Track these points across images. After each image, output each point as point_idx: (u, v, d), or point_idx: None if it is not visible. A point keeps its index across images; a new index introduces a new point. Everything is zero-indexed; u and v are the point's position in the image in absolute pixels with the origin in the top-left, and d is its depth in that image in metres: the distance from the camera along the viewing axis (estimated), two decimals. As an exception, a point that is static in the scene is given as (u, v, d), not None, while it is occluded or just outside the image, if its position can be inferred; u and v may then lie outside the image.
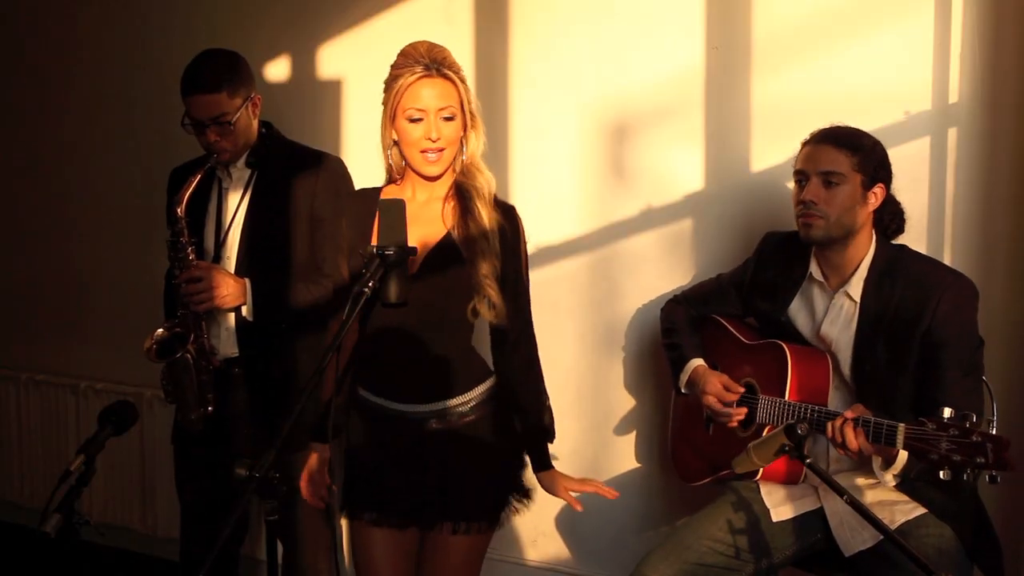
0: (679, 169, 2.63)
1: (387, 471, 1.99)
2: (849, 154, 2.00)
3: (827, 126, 2.08)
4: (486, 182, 1.96)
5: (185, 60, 2.31)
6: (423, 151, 1.91)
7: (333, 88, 3.01)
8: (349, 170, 2.45)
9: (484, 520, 1.99)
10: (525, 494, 2.06)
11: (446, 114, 1.90)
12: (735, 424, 2.15)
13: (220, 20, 3.12)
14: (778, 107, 2.51)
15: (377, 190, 2.03)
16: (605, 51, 2.67)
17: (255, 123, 2.38)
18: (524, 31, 2.77)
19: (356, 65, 2.96)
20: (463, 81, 1.93)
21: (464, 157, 1.97)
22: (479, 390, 2.00)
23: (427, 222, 1.95)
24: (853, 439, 1.82)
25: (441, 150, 1.91)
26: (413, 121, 1.89)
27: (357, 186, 2.41)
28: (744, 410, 2.15)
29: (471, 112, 1.95)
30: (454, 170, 1.98)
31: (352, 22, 2.95)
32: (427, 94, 1.89)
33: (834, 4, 2.44)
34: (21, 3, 3.54)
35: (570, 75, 2.72)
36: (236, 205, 2.36)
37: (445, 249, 1.94)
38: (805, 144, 2.09)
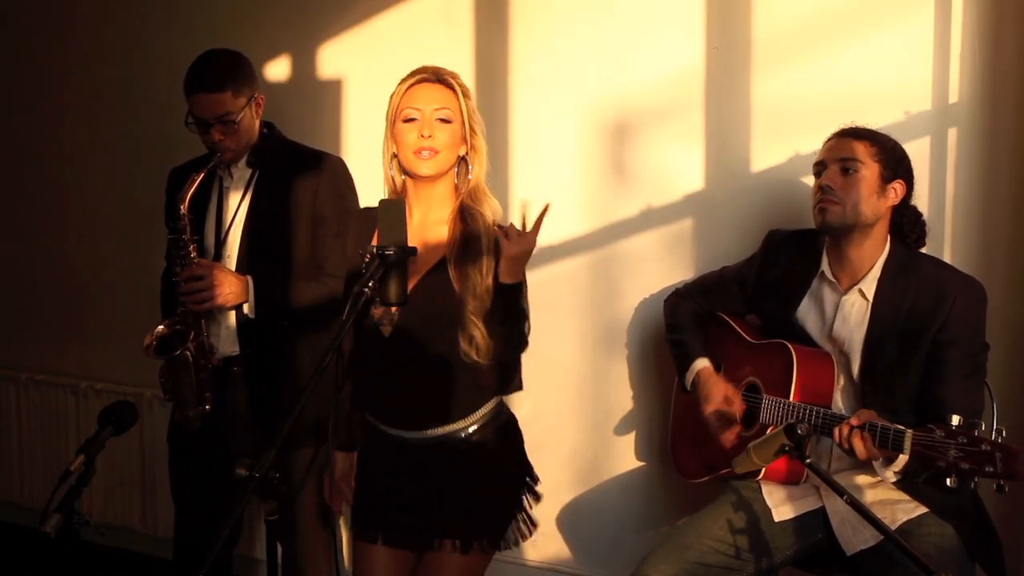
0: (679, 169, 2.63)
1: (390, 490, 1.97)
2: (868, 144, 2.04)
3: (846, 126, 2.10)
4: (491, 211, 1.94)
5: (185, 60, 2.31)
6: (416, 151, 1.89)
7: (333, 88, 3.01)
8: (349, 170, 2.45)
9: (484, 539, 1.95)
10: (530, 520, 2.03)
11: (441, 115, 1.89)
12: (726, 446, 2.15)
13: (220, 20, 3.12)
14: (778, 107, 2.51)
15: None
16: (605, 51, 2.67)
17: (258, 123, 2.38)
18: (524, 31, 2.77)
19: (356, 65, 2.96)
20: (466, 96, 1.93)
21: (469, 177, 1.95)
22: (481, 412, 1.96)
23: (423, 244, 1.92)
24: (861, 448, 1.82)
25: (435, 151, 1.89)
26: (408, 121, 1.89)
27: (357, 184, 2.42)
28: (735, 439, 2.14)
29: (473, 129, 1.93)
30: (458, 192, 1.96)
31: (352, 22, 2.95)
32: (423, 95, 1.89)
33: (834, 4, 2.45)
34: (21, 3, 3.53)
35: (570, 75, 2.72)
36: (237, 204, 2.36)
37: (437, 277, 1.91)
38: (827, 141, 2.11)
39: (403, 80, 1.93)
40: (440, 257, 1.93)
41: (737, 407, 2.14)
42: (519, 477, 2.04)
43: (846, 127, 2.10)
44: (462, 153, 1.95)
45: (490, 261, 1.89)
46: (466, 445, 1.95)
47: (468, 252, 1.90)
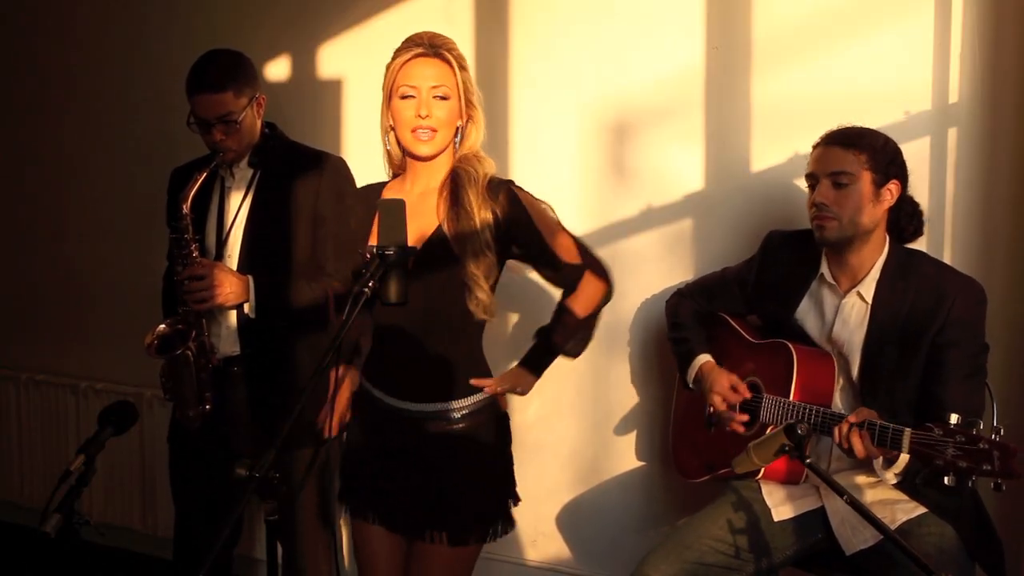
0: (679, 169, 2.63)
1: (384, 472, 1.97)
2: (857, 153, 2.00)
3: (836, 127, 2.08)
4: (482, 168, 1.93)
5: (185, 60, 2.31)
6: (414, 130, 1.89)
7: (333, 88, 3.01)
8: (351, 170, 2.45)
9: (472, 533, 1.96)
10: (510, 519, 2.03)
11: (438, 93, 1.88)
12: (738, 428, 2.14)
13: (220, 20, 3.13)
14: (778, 107, 2.51)
15: (382, 185, 2.03)
16: (605, 51, 2.67)
17: (259, 123, 2.38)
18: (524, 31, 2.77)
19: (356, 65, 2.96)
20: (462, 68, 1.92)
21: (459, 147, 1.94)
22: (476, 398, 1.97)
23: (422, 215, 1.93)
24: (860, 446, 1.82)
25: (433, 130, 1.89)
26: (405, 98, 1.89)
27: (358, 184, 2.42)
28: (745, 416, 2.14)
29: (469, 100, 1.92)
30: (452, 159, 1.96)
31: (352, 22, 2.95)
32: (420, 72, 1.88)
33: (834, 4, 2.45)
34: (21, 3, 3.53)
35: (570, 75, 2.72)
36: (238, 205, 2.36)
37: (436, 244, 1.92)
38: (815, 147, 2.09)
39: (399, 52, 1.91)
40: (436, 226, 1.93)
41: (743, 392, 2.14)
42: (507, 472, 2.05)
43: (833, 131, 2.07)
44: (459, 124, 1.95)
45: (482, 217, 1.89)
46: (459, 428, 1.95)
47: (460, 216, 1.90)
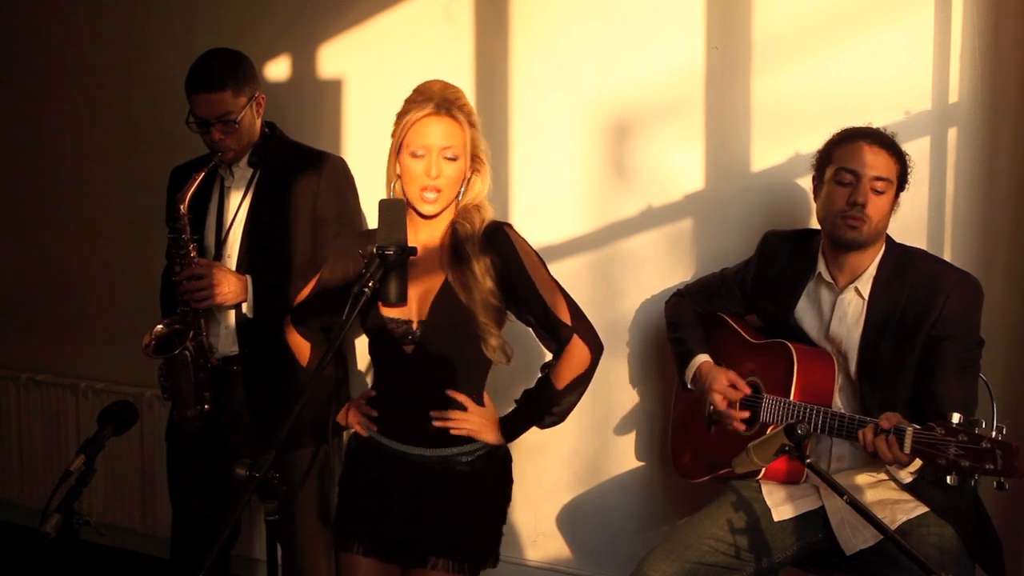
0: (679, 169, 2.63)
1: (381, 505, 1.98)
2: (894, 160, 2.02)
3: (862, 126, 2.07)
4: (479, 216, 1.94)
5: (185, 60, 2.31)
6: (422, 189, 1.89)
7: (333, 88, 3.01)
8: (351, 170, 2.45)
9: (467, 562, 1.96)
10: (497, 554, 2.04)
11: (449, 154, 1.88)
12: (738, 427, 2.14)
13: (220, 20, 3.12)
14: (778, 107, 2.51)
15: (371, 233, 2.01)
16: (606, 51, 2.67)
17: (259, 122, 2.38)
18: (524, 31, 2.77)
19: (356, 65, 2.96)
20: (472, 125, 1.91)
21: (462, 197, 1.95)
22: (481, 443, 1.98)
23: (426, 268, 1.94)
24: (886, 450, 1.81)
25: (439, 190, 1.89)
26: (416, 157, 1.88)
27: (358, 184, 2.42)
28: (746, 413, 2.14)
29: (476, 155, 1.93)
30: (455, 211, 1.96)
31: (352, 22, 2.95)
32: (432, 131, 1.87)
33: (834, 4, 2.45)
34: (21, 3, 3.54)
35: (571, 75, 2.72)
36: (238, 204, 2.36)
37: (447, 296, 1.92)
38: (849, 139, 2.05)
39: (412, 106, 1.89)
40: (443, 279, 1.94)
41: (742, 389, 2.14)
42: (504, 506, 2.06)
43: (870, 131, 2.04)
44: (466, 177, 1.95)
45: (483, 266, 1.91)
46: (466, 468, 1.97)
47: (462, 266, 1.92)
